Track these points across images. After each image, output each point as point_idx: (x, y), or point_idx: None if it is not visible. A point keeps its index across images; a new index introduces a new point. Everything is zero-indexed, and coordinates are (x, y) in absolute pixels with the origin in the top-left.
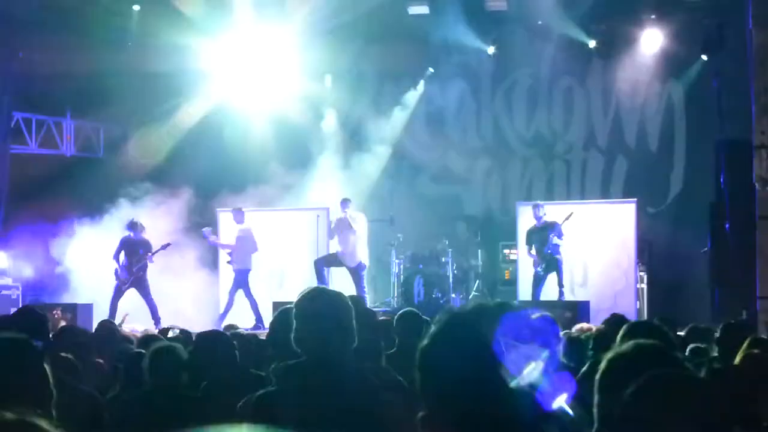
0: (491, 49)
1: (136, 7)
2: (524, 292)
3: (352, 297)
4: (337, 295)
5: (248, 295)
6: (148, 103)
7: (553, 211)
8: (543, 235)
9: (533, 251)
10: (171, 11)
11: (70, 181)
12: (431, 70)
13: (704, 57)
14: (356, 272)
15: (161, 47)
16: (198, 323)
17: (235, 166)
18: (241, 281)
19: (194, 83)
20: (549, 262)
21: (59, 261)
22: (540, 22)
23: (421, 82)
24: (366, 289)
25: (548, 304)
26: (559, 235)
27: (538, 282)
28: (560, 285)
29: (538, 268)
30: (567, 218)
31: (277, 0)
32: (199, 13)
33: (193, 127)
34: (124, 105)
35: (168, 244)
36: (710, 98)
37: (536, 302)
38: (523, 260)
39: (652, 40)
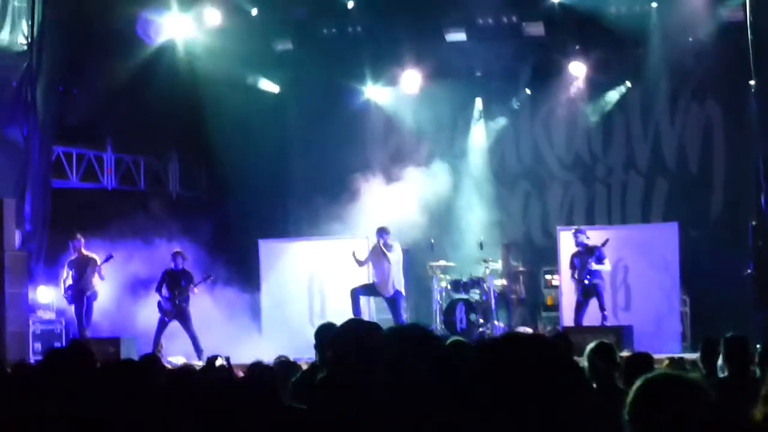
0: (528, 76)
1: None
2: (567, 318)
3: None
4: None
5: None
6: (190, 134)
7: (594, 236)
8: (583, 260)
9: (576, 276)
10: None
11: (112, 214)
12: (479, 100)
13: (752, 82)
14: (394, 302)
15: (203, 79)
16: (241, 352)
17: (277, 194)
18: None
19: (235, 114)
20: (588, 287)
21: (98, 294)
22: (578, 47)
23: (474, 111)
24: (405, 318)
25: (591, 330)
26: (599, 260)
27: (579, 308)
28: (602, 309)
29: (579, 296)
30: (603, 244)
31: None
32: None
33: (234, 156)
34: (165, 137)
35: (210, 276)
36: (750, 119)
37: (579, 328)
38: (566, 285)
39: (691, 62)
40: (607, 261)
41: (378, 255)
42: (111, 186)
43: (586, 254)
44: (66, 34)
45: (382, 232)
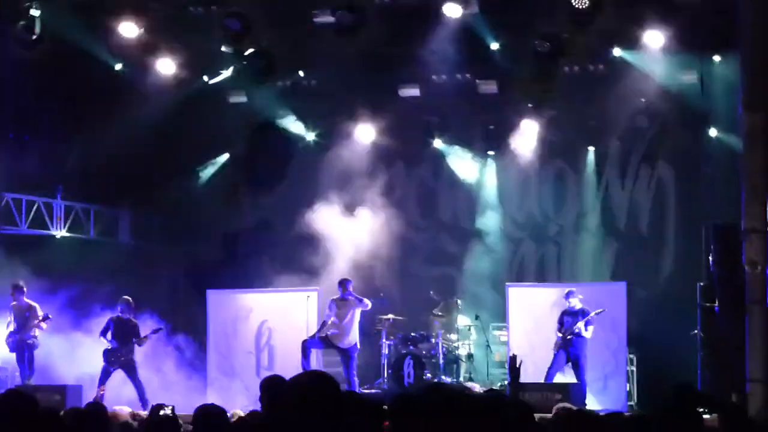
0: (481, 133)
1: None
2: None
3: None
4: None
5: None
6: (142, 184)
7: (547, 294)
8: (574, 320)
9: (561, 331)
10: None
11: (60, 262)
12: (437, 142)
13: (713, 132)
14: (348, 355)
15: (156, 129)
16: (187, 402)
17: (226, 244)
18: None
19: (188, 162)
20: (570, 350)
21: (39, 343)
22: (531, 106)
23: (419, 163)
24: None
25: (538, 387)
26: (586, 324)
27: (555, 365)
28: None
29: (559, 350)
30: (598, 314)
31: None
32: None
33: (185, 206)
34: (117, 186)
35: (159, 329)
36: (701, 181)
37: (525, 384)
38: (515, 342)
39: (642, 122)
40: (590, 329)
41: (342, 307)
42: (60, 234)
43: (575, 315)
44: (19, 82)
45: (345, 283)
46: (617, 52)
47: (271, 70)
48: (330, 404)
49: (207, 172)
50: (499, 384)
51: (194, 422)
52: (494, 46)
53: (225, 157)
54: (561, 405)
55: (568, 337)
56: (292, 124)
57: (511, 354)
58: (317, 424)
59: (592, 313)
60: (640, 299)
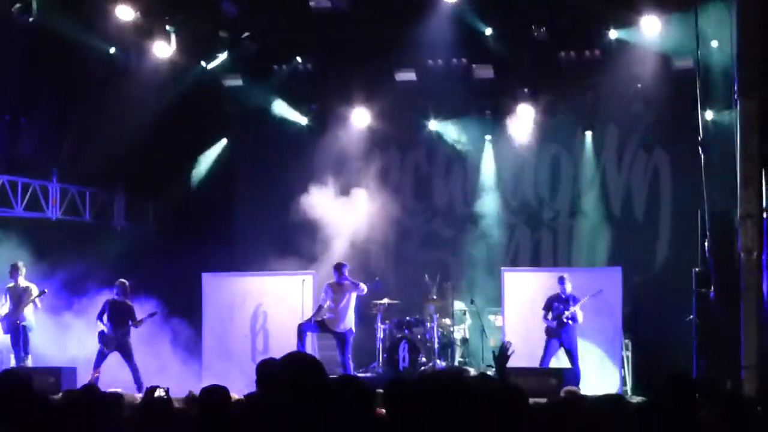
0: (476, 117)
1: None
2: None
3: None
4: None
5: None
6: (135, 167)
7: (542, 279)
8: (563, 306)
9: (549, 317)
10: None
11: (55, 244)
12: (432, 125)
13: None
14: (343, 338)
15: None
16: (182, 386)
17: (222, 227)
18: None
19: (184, 145)
20: (563, 336)
21: (33, 325)
22: (527, 91)
23: (414, 148)
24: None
25: (533, 372)
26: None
27: (549, 353)
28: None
29: (553, 338)
30: (595, 294)
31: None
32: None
33: (180, 190)
34: (112, 170)
35: (155, 313)
36: (696, 166)
37: (520, 369)
38: (510, 327)
39: (638, 109)
40: (581, 314)
41: (337, 291)
42: (55, 216)
43: (569, 301)
44: (14, 65)
45: (341, 267)
46: (613, 34)
47: (267, 55)
48: (318, 388)
49: (203, 156)
50: (493, 369)
51: (198, 403)
52: (488, 31)
53: (222, 141)
54: (568, 388)
55: (565, 321)
56: (288, 109)
57: (505, 340)
58: (309, 407)
59: (584, 299)
60: (636, 284)
